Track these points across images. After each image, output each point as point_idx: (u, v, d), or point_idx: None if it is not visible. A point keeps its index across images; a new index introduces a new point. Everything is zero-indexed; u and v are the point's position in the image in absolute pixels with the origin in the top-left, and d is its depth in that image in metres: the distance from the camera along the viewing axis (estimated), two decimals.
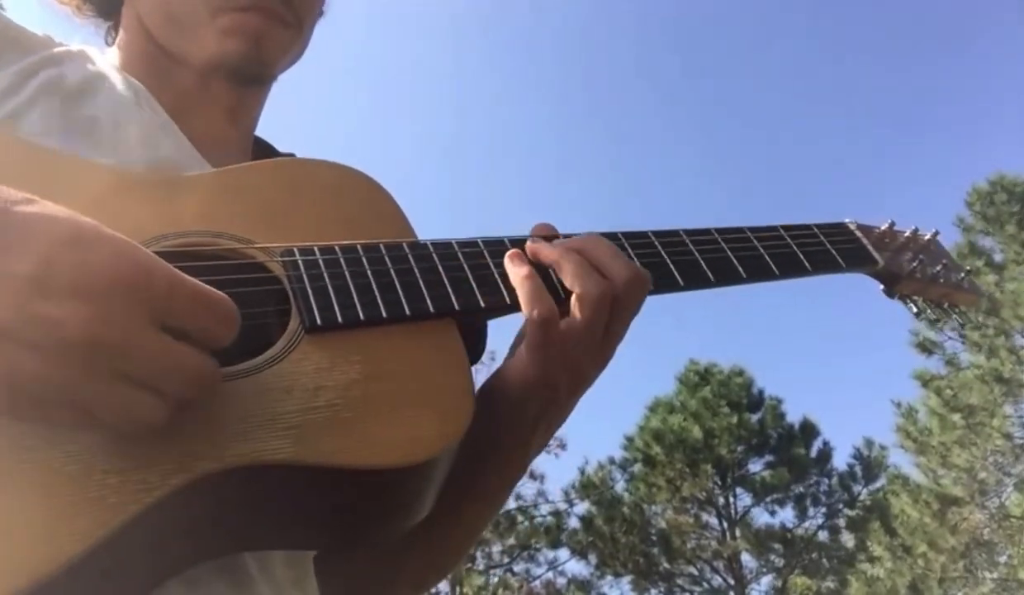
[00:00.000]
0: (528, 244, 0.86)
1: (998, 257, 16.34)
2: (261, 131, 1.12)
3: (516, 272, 0.83)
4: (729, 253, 0.98)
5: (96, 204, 0.76)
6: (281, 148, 1.12)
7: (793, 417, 22.71)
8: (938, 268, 1.11)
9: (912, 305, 1.11)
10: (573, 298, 0.81)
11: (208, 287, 0.62)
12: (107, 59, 1.01)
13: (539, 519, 21.32)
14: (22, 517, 0.57)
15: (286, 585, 0.82)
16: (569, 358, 0.82)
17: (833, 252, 1.05)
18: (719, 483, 22.06)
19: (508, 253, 0.85)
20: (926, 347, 16.71)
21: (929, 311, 1.11)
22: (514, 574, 21.12)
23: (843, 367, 38.13)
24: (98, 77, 0.94)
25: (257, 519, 0.70)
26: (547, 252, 0.85)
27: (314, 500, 0.71)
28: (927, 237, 1.14)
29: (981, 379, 15.62)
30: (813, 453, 22.18)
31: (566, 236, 0.93)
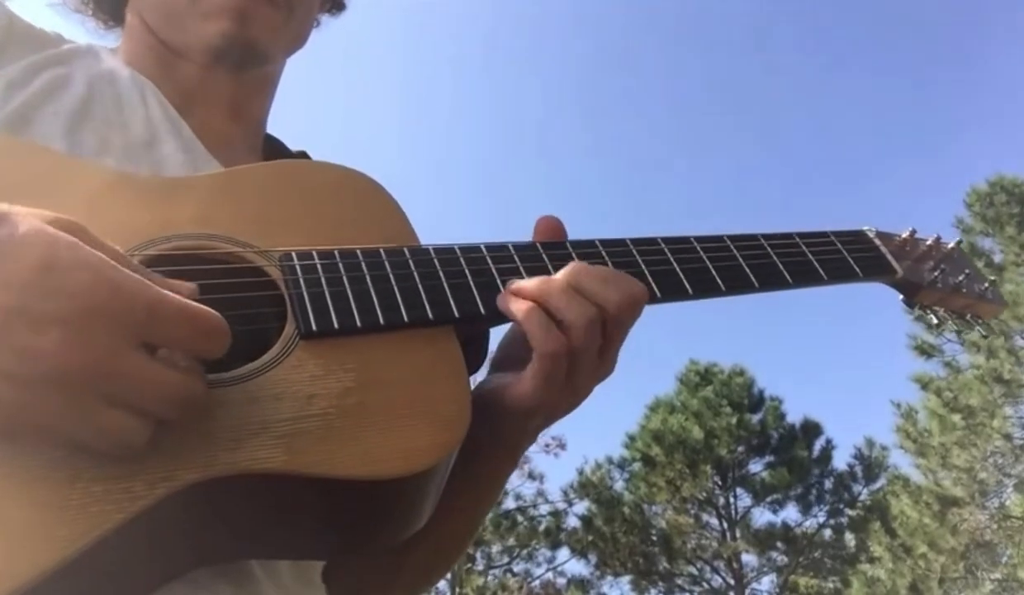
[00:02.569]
0: (499, 300, 0.82)
1: (998, 258, 16.34)
2: (274, 131, 1.11)
3: (518, 308, 0.80)
4: (741, 261, 0.95)
5: (93, 206, 0.76)
6: (293, 147, 1.11)
7: (793, 417, 22.78)
8: (960, 278, 1.08)
9: (933, 316, 1.08)
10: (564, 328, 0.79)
11: (193, 303, 0.61)
12: (115, 56, 1.01)
13: (538, 519, 21.33)
14: (1, 524, 0.56)
15: (293, 586, 0.81)
16: (573, 382, 0.81)
17: (850, 261, 1.02)
18: (719, 483, 22.07)
19: (499, 296, 0.82)
20: (925, 350, 16.72)
21: (951, 322, 1.08)
22: (514, 574, 21.14)
23: (844, 368, 38.17)
24: (105, 74, 0.94)
25: (248, 529, 0.69)
26: (529, 291, 0.81)
27: (306, 510, 0.69)
28: (949, 246, 1.11)
29: (981, 380, 15.64)
30: (815, 453, 22.20)
31: (572, 242, 0.91)
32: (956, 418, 15.77)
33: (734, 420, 21.62)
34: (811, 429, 22.58)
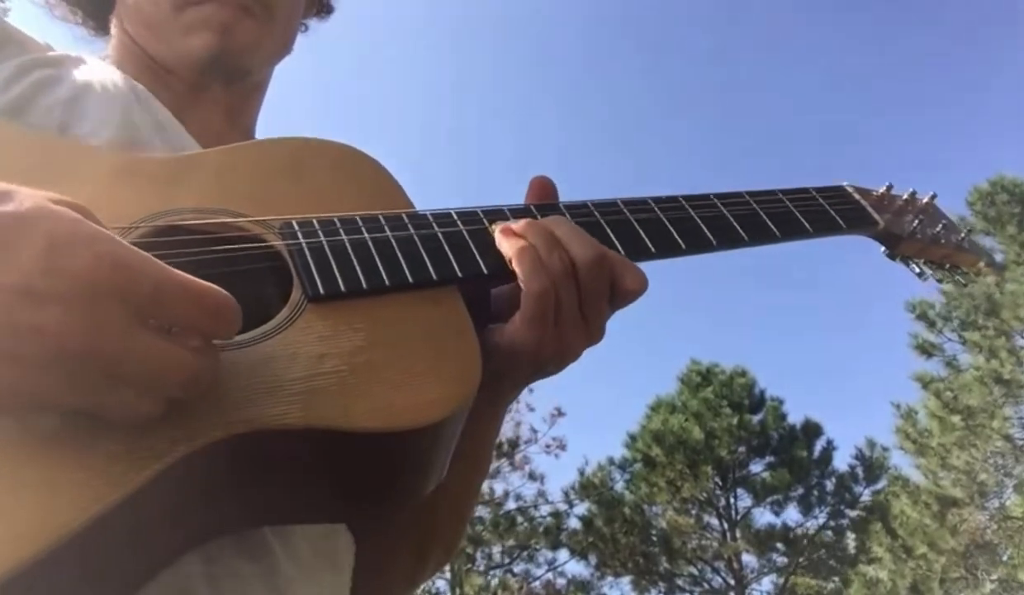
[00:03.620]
0: (495, 235, 0.84)
1: (999, 258, 16.33)
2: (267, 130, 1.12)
3: (511, 245, 0.82)
4: (728, 216, 0.97)
5: (95, 186, 0.76)
6: None
7: (794, 418, 22.76)
8: (938, 229, 1.10)
9: (914, 266, 1.11)
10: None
11: (201, 281, 0.60)
12: (106, 63, 1.02)
13: (539, 520, 21.30)
14: (21, 486, 0.56)
15: (309, 557, 0.81)
16: (559, 332, 0.82)
17: (832, 213, 1.05)
18: (720, 484, 22.05)
19: (498, 229, 0.84)
20: (926, 349, 16.71)
21: (931, 273, 1.10)
22: (514, 575, 21.08)
23: (845, 367, 38.16)
24: (97, 75, 0.94)
25: (267, 489, 0.69)
26: (516, 230, 0.84)
27: (324, 467, 0.70)
28: (925, 200, 1.13)
29: (981, 381, 15.62)
30: (816, 453, 22.16)
31: (566, 203, 0.93)
32: (956, 419, 15.75)
33: (735, 421, 21.59)
34: (812, 430, 22.54)
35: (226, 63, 0.98)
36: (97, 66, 0.97)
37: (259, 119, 1.13)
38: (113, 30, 1.05)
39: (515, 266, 0.80)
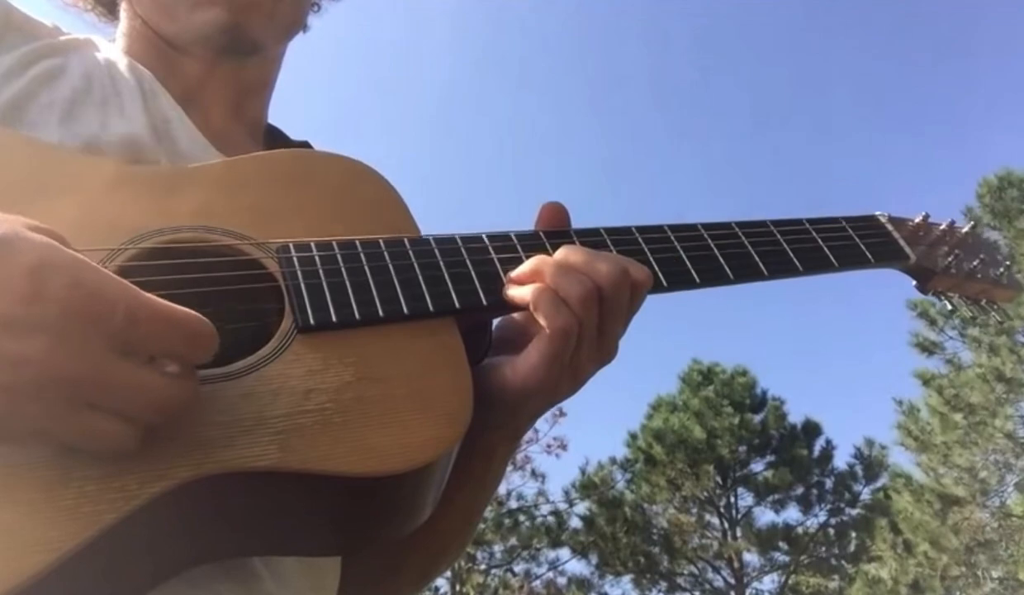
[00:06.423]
0: (505, 292, 0.81)
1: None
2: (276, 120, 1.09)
3: (523, 292, 0.80)
4: (750, 248, 0.94)
5: (91, 201, 0.75)
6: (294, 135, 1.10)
7: (795, 417, 22.81)
8: (975, 263, 1.06)
9: (947, 302, 1.07)
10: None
11: (175, 307, 0.59)
12: (114, 48, 1.00)
13: (540, 519, 21.32)
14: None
15: (296, 580, 0.79)
16: (574, 362, 0.80)
17: (862, 247, 1.00)
18: (720, 483, 22.08)
19: (504, 288, 0.81)
20: (927, 347, 16.70)
21: (965, 308, 1.06)
22: (515, 574, 21.12)
23: (846, 367, 38.22)
24: (103, 64, 0.92)
25: (245, 526, 0.68)
26: (527, 274, 0.81)
27: (304, 507, 0.68)
28: (964, 230, 1.09)
29: (982, 378, 15.62)
30: (816, 453, 22.22)
31: (576, 230, 0.89)
32: (958, 417, 15.76)
33: (736, 420, 21.63)
34: (812, 429, 22.61)
35: (236, 37, 0.96)
36: (104, 54, 0.95)
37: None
38: (122, 14, 1.04)
39: (534, 308, 0.78)
